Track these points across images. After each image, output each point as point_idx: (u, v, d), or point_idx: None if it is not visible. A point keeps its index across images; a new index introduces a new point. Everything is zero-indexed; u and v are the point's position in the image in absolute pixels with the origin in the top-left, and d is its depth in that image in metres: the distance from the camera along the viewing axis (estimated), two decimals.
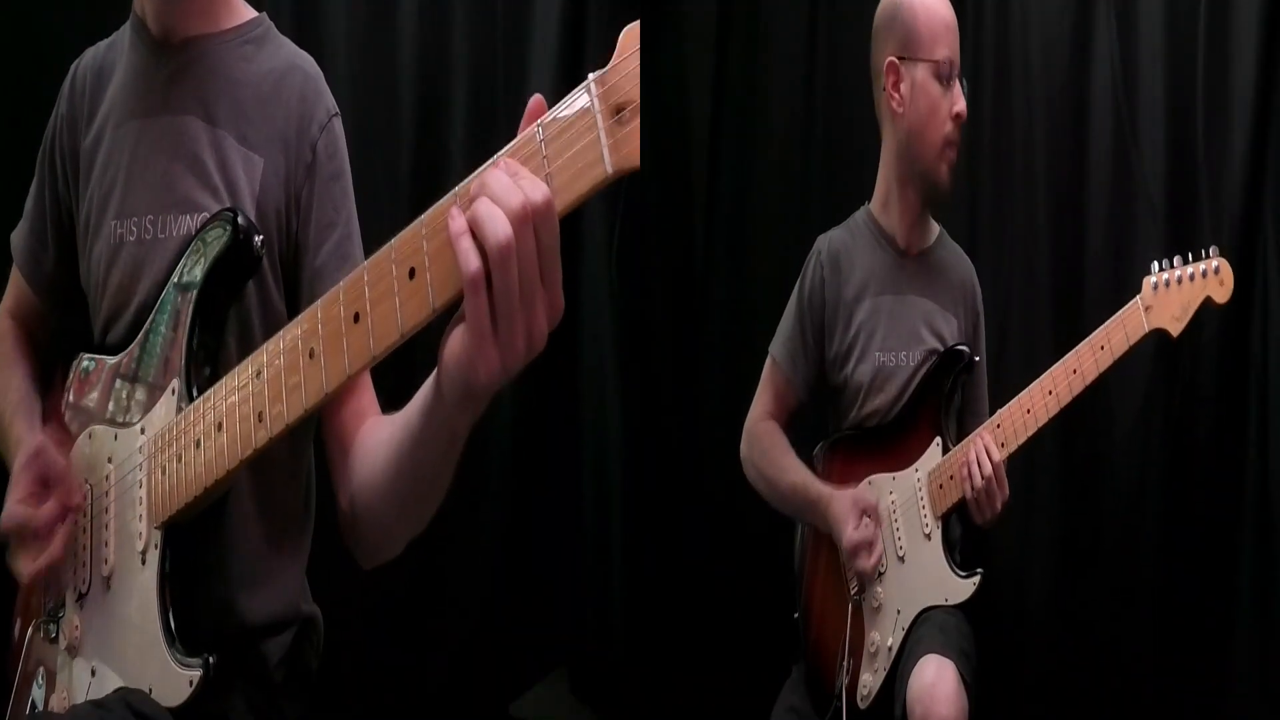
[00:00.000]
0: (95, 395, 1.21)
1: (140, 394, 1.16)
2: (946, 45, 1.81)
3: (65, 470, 1.16)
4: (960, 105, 1.81)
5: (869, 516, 1.76)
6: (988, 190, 2.38)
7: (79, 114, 1.31)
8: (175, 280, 1.15)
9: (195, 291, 1.13)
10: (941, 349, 1.86)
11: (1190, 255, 1.73)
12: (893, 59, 1.82)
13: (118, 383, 1.19)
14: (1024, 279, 2.35)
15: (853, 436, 1.88)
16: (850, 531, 1.74)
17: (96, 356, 1.24)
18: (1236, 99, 2.21)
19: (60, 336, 1.40)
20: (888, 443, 1.85)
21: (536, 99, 0.81)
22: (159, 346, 1.15)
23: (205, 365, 1.13)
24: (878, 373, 1.85)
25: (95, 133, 1.28)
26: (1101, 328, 1.73)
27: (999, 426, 1.76)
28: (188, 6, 1.24)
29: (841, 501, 1.77)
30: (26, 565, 1.14)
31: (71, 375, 1.26)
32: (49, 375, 1.34)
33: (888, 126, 1.88)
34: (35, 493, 1.14)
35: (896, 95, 1.83)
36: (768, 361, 1.95)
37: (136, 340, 1.18)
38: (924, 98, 1.81)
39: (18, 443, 1.22)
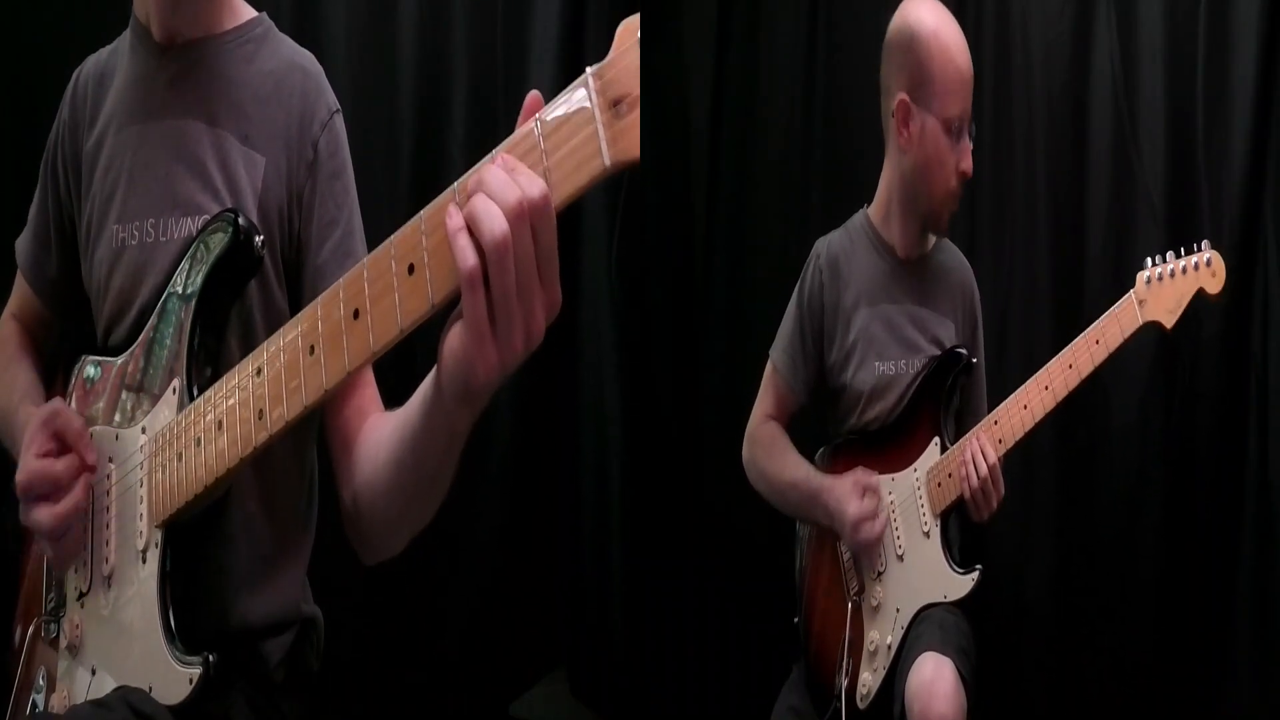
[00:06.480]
0: (101, 406, 1.21)
1: (146, 405, 1.16)
2: (960, 101, 1.78)
3: (82, 429, 1.15)
4: (967, 163, 1.79)
5: (870, 492, 1.77)
6: (988, 190, 2.38)
7: (81, 119, 1.32)
8: (179, 291, 1.15)
9: (196, 296, 1.13)
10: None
11: (1183, 250, 1.73)
12: (904, 98, 1.78)
13: (123, 394, 1.19)
14: (1024, 279, 2.35)
15: (854, 440, 1.88)
16: (853, 507, 1.75)
17: (99, 359, 1.24)
18: (1236, 99, 2.21)
19: (63, 340, 1.40)
20: (888, 446, 1.85)
21: (534, 95, 0.81)
22: (164, 360, 1.15)
23: (206, 365, 1.13)
24: (878, 381, 1.85)
25: (97, 137, 1.28)
26: (1096, 322, 1.74)
27: (996, 423, 1.76)
28: (189, 10, 1.24)
29: (842, 484, 1.78)
30: (46, 514, 1.11)
31: (74, 378, 1.26)
32: (51, 378, 1.35)
33: (893, 150, 1.86)
34: (52, 450, 1.13)
35: (905, 132, 1.80)
36: (768, 367, 1.94)
37: (140, 349, 1.18)
38: (933, 147, 1.79)
39: (26, 421, 1.19)
